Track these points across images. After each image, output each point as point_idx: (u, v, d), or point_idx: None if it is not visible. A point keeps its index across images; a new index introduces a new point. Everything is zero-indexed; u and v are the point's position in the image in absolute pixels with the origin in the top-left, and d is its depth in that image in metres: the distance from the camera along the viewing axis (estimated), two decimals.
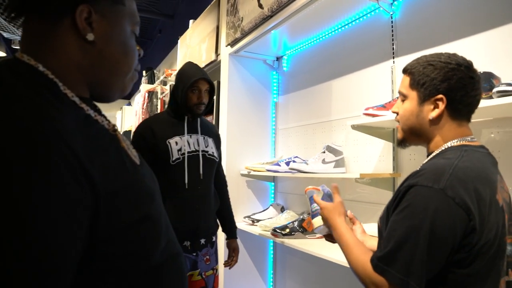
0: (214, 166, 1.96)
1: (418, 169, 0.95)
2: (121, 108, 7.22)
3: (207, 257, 1.87)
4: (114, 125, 0.71)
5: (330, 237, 1.27)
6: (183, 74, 1.89)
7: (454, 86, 0.95)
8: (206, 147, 1.92)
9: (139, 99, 5.30)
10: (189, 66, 1.94)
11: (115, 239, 0.58)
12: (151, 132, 1.82)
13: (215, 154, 1.97)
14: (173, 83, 4.22)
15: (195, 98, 1.86)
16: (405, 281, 0.85)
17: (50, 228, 0.49)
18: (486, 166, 0.93)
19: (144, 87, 5.22)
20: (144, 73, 5.81)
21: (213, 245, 1.94)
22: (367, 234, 1.29)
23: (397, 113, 1.08)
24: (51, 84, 0.60)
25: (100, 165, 0.57)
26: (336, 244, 1.25)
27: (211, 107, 3.02)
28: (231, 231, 2.10)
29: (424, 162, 1.00)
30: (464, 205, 0.84)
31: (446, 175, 0.87)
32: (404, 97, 1.05)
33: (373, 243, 1.18)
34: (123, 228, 0.59)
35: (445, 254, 0.86)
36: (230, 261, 2.09)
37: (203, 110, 1.92)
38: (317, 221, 1.26)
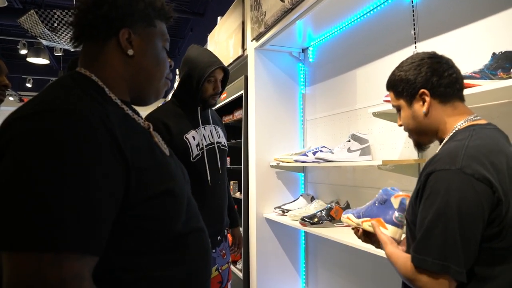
0: (226, 156, 1.89)
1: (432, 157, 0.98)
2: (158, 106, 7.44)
3: (223, 251, 1.83)
4: (148, 124, 0.90)
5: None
6: (196, 62, 1.72)
7: (426, 76, 1.05)
8: (218, 138, 1.85)
9: None
10: (201, 53, 1.77)
11: (143, 204, 0.74)
12: (165, 128, 1.65)
13: (226, 144, 1.89)
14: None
15: (211, 88, 1.75)
16: (445, 266, 0.86)
17: (95, 185, 0.65)
18: (497, 141, 0.95)
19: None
20: (177, 71, 5.95)
21: (226, 239, 1.89)
22: None
23: (402, 125, 1.17)
24: (100, 89, 0.80)
25: (131, 147, 0.73)
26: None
27: (239, 101, 3.10)
28: (235, 220, 2.05)
29: (438, 149, 1.04)
30: (484, 179, 0.86)
31: (460, 155, 0.89)
32: (398, 109, 1.16)
33: None
34: (149, 196, 0.75)
35: (479, 231, 0.86)
36: (236, 249, 2.05)
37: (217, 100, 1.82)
38: (394, 232, 1.17)
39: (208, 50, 1.85)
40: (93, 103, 0.72)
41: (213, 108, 2.00)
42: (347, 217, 1.33)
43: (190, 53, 1.80)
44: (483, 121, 1.03)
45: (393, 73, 1.14)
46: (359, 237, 1.32)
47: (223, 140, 1.89)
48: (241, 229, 2.15)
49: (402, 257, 0.99)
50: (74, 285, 0.61)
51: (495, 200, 0.86)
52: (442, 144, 1.05)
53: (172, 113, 1.73)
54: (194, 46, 1.84)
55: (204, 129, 1.79)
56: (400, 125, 1.18)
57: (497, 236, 0.87)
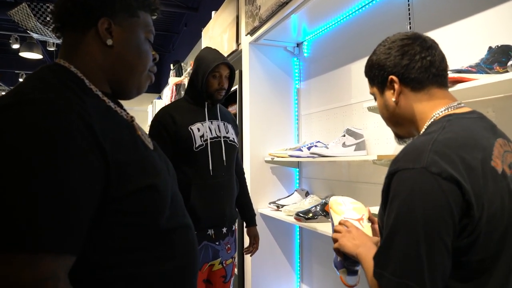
0: (235, 152, 1.94)
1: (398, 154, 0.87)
2: (152, 102, 7.40)
3: (228, 246, 1.86)
4: (131, 117, 0.87)
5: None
6: (203, 59, 1.84)
7: (395, 61, 0.94)
8: (226, 133, 1.89)
9: (168, 92, 5.43)
10: (209, 51, 1.88)
11: (124, 199, 0.72)
12: (171, 119, 1.77)
13: (236, 140, 1.95)
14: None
15: (216, 83, 1.82)
16: (401, 284, 0.73)
17: (70, 181, 0.62)
18: (474, 132, 0.83)
19: (172, 80, 5.33)
20: (171, 66, 5.91)
21: (233, 233, 1.92)
22: None
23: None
24: (79, 81, 0.78)
25: (111, 140, 0.71)
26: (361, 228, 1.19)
27: (234, 96, 3.08)
28: (251, 218, 2.09)
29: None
30: (452, 179, 0.74)
31: (426, 152, 0.78)
32: (374, 98, 1.06)
33: None
34: (132, 191, 0.73)
35: (450, 238, 0.74)
36: (252, 248, 2.10)
37: (223, 96, 1.88)
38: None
39: (217, 50, 1.92)
40: (71, 95, 0.70)
41: None
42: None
43: (200, 52, 1.91)
44: (464, 109, 0.90)
45: (369, 58, 1.03)
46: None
47: (232, 136, 1.93)
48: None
49: (370, 264, 0.85)
50: (49, 286, 0.59)
51: (464, 204, 0.74)
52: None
53: (181, 107, 1.86)
54: (206, 47, 1.96)
55: (211, 123, 1.86)
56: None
57: (470, 248, 0.75)
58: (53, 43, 6.81)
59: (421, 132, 0.92)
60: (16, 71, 9.86)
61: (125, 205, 0.72)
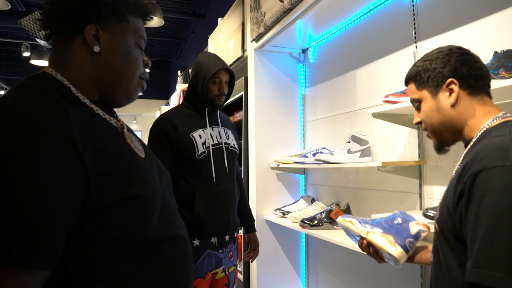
0: (236, 158, 1.92)
1: (462, 158, 0.90)
2: (160, 108, 7.45)
3: (231, 253, 1.84)
4: (122, 125, 0.86)
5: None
6: (202, 65, 1.80)
7: (456, 66, 0.97)
8: (227, 139, 1.88)
9: (175, 98, 5.46)
10: (208, 57, 1.86)
11: (106, 211, 0.69)
12: (173, 126, 1.74)
13: (236, 146, 1.93)
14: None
15: (216, 89, 1.80)
16: None
17: (42, 193, 0.60)
18: None
19: (180, 86, 5.35)
20: (179, 73, 5.95)
21: (235, 241, 1.90)
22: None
23: (421, 123, 1.06)
24: (65, 89, 0.76)
25: (93, 150, 0.69)
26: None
27: (240, 103, 3.08)
28: (250, 224, 2.06)
29: (467, 150, 0.95)
30: None
31: None
32: (418, 103, 1.05)
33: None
34: (113, 203, 0.71)
35: None
36: (252, 254, 2.06)
37: (223, 101, 1.86)
38: (401, 255, 1.15)
39: (216, 55, 1.90)
40: (50, 104, 0.68)
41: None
42: (350, 221, 1.26)
43: (199, 57, 1.88)
44: None
45: (415, 65, 1.05)
46: (363, 249, 1.25)
47: (232, 142, 1.91)
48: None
49: None
50: None
51: None
52: (470, 144, 0.95)
53: (181, 113, 1.83)
54: (204, 52, 1.93)
55: (212, 129, 1.84)
56: (418, 123, 1.07)
57: None
58: None
59: (474, 138, 0.95)
60: None
61: (107, 216, 0.70)
